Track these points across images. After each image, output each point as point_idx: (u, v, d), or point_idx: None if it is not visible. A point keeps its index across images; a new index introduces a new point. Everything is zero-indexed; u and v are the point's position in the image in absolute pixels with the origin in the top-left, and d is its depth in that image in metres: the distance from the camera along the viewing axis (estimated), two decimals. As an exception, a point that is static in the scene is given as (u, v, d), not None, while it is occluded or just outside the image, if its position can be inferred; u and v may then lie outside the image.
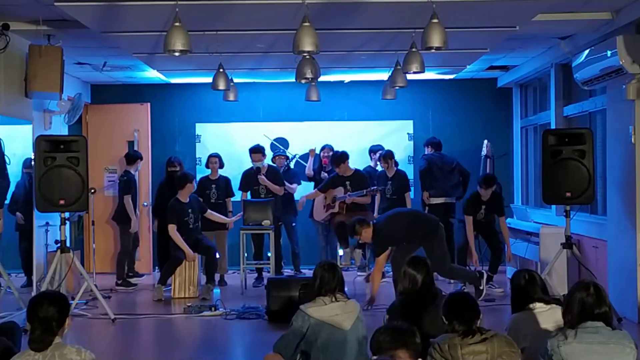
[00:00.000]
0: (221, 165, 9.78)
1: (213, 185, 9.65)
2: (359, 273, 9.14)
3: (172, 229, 8.64)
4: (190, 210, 8.79)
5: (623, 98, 6.97)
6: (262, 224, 9.03)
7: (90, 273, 8.65)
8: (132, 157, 9.79)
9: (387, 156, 9.52)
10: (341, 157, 9.08)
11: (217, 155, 9.82)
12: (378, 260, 7.49)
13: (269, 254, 9.15)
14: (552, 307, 4.17)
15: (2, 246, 8.79)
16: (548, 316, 4.13)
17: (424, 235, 7.50)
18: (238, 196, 9.85)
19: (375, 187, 8.98)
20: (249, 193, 9.71)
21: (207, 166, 9.87)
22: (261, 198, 9.42)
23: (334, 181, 9.02)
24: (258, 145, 9.76)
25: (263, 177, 9.44)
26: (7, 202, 8.63)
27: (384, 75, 9.23)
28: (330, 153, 9.72)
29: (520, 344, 4.02)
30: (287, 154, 10.33)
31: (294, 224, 9.79)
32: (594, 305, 3.58)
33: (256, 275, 9.68)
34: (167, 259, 8.81)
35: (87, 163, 7.33)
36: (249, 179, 9.64)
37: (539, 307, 4.20)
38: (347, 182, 8.97)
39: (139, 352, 6.63)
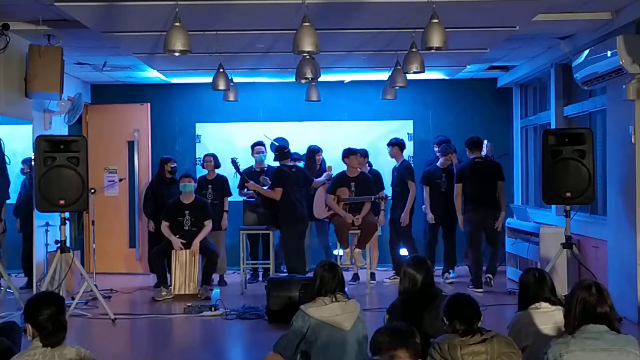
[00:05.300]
0: (217, 165, 9.80)
1: (209, 185, 9.68)
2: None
3: (164, 226, 8.84)
4: (187, 212, 8.82)
5: (623, 98, 6.97)
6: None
7: (90, 273, 8.66)
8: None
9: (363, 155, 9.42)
10: (349, 151, 9.04)
11: (212, 155, 9.86)
12: None
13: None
14: (557, 308, 4.13)
15: (4, 246, 8.83)
16: (550, 317, 4.11)
17: None
18: (235, 196, 9.87)
19: (379, 196, 8.93)
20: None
21: (202, 166, 9.95)
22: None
23: (339, 181, 8.99)
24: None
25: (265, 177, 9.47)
26: (10, 201, 8.69)
27: (384, 75, 9.23)
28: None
29: (522, 343, 4.02)
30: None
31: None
32: (596, 305, 3.52)
33: (260, 275, 9.76)
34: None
35: (87, 163, 7.32)
36: (251, 177, 9.64)
37: (544, 307, 4.18)
38: (352, 184, 8.93)
39: (139, 352, 6.63)
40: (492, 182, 9.01)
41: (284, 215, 8.79)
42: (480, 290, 8.73)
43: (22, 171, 8.98)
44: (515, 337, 3.98)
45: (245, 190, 9.56)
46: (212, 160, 9.78)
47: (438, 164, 9.74)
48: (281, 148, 9.26)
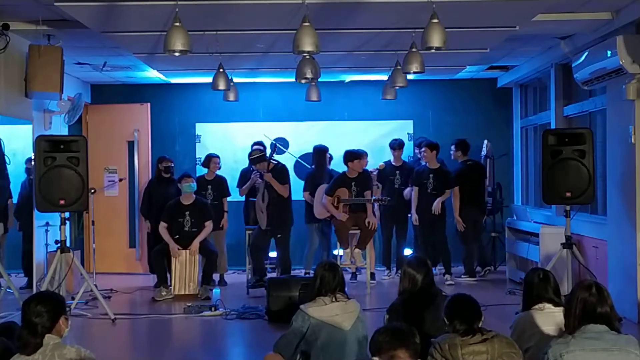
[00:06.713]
0: (219, 166, 9.81)
1: (209, 186, 9.65)
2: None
3: (161, 227, 8.81)
4: (187, 213, 8.81)
5: (623, 98, 6.97)
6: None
7: (90, 273, 8.66)
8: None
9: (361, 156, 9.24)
10: (355, 154, 9.05)
11: (218, 156, 9.83)
12: None
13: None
14: (560, 310, 4.09)
15: (5, 246, 8.83)
16: (552, 318, 4.09)
17: None
18: (235, 196, 9.86)
19: (379, 198, 8.89)
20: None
21: (206, 165, 9.82)
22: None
23: (339, 182, 8.96)
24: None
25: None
26: (14, 201, 8.71)
27: (384, 76, 9.23)
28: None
29: (526, 344, 4.01)
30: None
31: (279, 236, 8.90)
32: (596, 305, 3.50)
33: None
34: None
35: (87, 163, 7.32)
36: (249, 177, 9.60)
37: (547, 308, 4.17)
38: (353, 183, 8.92)
39: (139, 352, 6.62)
40: (482, 182, 9.77)
41: (290, 214, 8.89)
42: (475, 279, 9.43)
43: (27, 170, 8.97)
44: (518, 338, 3.98)
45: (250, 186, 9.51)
46: (219, 162, 9.77)
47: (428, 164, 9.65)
48: (257, 152, 9.05)
